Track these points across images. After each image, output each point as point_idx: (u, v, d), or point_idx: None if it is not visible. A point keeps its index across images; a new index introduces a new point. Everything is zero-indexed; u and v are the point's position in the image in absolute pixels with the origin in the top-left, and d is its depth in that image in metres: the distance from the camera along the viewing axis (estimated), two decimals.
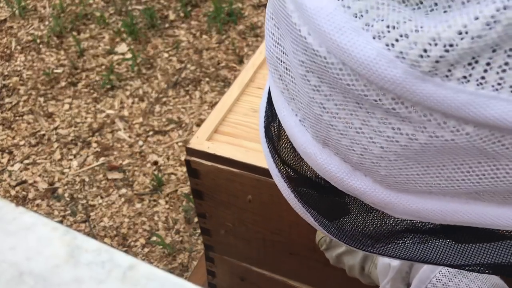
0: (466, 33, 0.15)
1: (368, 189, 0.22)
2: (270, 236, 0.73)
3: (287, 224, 0.69)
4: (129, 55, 1.86)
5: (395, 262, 0.49)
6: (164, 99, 1.72)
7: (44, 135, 1.62)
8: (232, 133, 0.69)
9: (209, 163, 0.66)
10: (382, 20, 0.17)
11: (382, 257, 0.51)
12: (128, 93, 1.74)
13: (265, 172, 0.63)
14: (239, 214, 0.72)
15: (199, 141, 0.67)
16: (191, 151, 0.66)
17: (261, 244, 0.76)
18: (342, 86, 0.19)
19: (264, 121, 0.28)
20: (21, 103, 1.72)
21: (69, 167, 1.52)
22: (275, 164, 0.27)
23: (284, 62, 0.22)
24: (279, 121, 0.25)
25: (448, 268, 0.44)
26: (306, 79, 0.20)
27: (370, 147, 0.20)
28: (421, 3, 0.17)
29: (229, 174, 0.66)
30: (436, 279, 0.44)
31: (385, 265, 0.50)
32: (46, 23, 2.03)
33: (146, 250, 1.33)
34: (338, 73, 0.18)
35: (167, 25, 2.00)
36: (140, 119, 1.65)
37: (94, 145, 1.58)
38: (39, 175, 1.51)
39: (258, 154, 0.65)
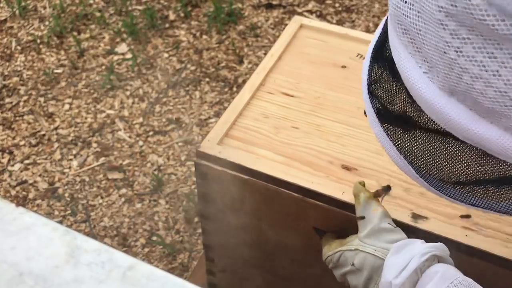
0: None
1: (494, 136, 0.22)
2: (273, 241, 0.73)
3: (293, 232, 0.69)
4: (129, 55, 1.86)
5: (397, 281, 0.48)
6: (164, 99, 1.72)
7: (44, 135, 1.62)
8: (242, 138, 0.68)
9: (219, 168, 0.66)
10: None
11: (383, 277, 0.51)
12: (128, 93, 1.74)
13: (276, 181, 0.63)
14: (244, 218, 0.72)
15: (210, 144, 0.66)
16: (201, 155, 0.66)
17: (262, 249, 0.76)
18: (485, 28, 0.19)
19: (367, 79, 0.29)
20: (21, 103, 1.73)
21: (69, 167, 1.52)
22: (379, 120, 0.28)
23: (410, 16, 0.23)
24: (394, 76, 0.25)
25: (456, 284, 0.45)
26: (443, 25, 0.21)
27: (506, 90, 0.20)
28: None
29: (238, 180, 0.65)
30: None
31: (387, 284, 0.50)
32: (46, 23, 2.03)
33: (146, 250, 1.33)
34: (482, 14, 0.19)
35: (167, 25, 2.00)
36: (140, 119, 1.65)
37: (94, 145, 1.58)
38: (39, 175, 1.51)
39: (269, 162, 0.65)
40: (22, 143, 1.60)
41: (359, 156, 0.66)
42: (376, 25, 2.02)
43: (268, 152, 0.66)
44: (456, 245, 0.57)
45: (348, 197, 0.61)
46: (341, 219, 0.63)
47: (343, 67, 0.80)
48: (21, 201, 1.44)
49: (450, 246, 0.57)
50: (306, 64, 0.80)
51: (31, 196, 1.45)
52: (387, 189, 0.58)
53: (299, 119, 0.71)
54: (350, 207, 0.61)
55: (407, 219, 0.59)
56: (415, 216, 0.59)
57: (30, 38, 1.96)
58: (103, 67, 1.84)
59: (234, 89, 1.74)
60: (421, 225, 0.59)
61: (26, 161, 1.54)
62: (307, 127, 0.70)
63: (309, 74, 0.79)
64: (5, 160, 1.55)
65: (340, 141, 0.68)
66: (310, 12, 2.08)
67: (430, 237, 0.58)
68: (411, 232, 0.59)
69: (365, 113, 0.74)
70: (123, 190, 1.46)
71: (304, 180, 0.63)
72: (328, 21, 2.01)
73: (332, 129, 0.70)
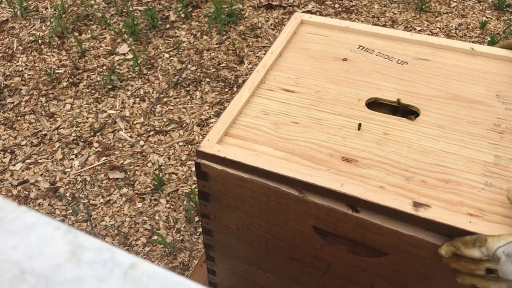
0: None
1: None
2: (273, 241, 0.73)
3: (292, 231, 0.69)
4: (130, 56, 1.86)
5: None
6: (165, 99, 1.72)
7: (45, 135, 1.62)
8: (242, 136, 0.68)
9: (219, 167, 0.66)
10: None
11: None
12: (129, 93, 1.75)
13: (275, 177, 0.63)
14: (244, 218, 0.72)
15: (210, 144, 0.66)
16: (201, 154, 0.66)
17: (262, 248, 0.76)
18: None
19: None
20: (23, 103, 1.73)
21: (71, 167, 1.53)
22: None
23: None
24: None
25: None
26: None
27: None
28: None
29: (239, 180, 0.65)
30: None
31: None
32: (48, 23, 2.04)
33: (147, 249, 1.34)
34: None
35: (168, 25, 2.01)
36: (141, 119, 1.66)
37: (96, 145, 1.59)
38: (41, 175, 1.51)
39: (269, 158, 0.64)
40: (23, 142, 1.60)
41: (359, 148, 0.66)
42: (376, 26, 2.03)
43: (268, 148, 0.66)
44: (460, 233, 0.55)
45: (346, 189, 0.60)
46: (341, 219, 0.64)
47: (344, 59, 0.80)
48: (23, 201, 1.44)
49: (454, 234, 0.56)
50: (307, 60, 0.80)
51: (32, 195, 1.46)
52: None
53: (299, 114, 0.71)
54: (349, 199, 0.60)
55: (408, 208, 0.58)
56: (416, 205, 0.58)
57: (31, 38, 1.96)
58: (104, 67, 1.84)
59: (235, 89, 1.75)
60: (422, 213, 0.57)
61: (28, 161, 1.55)
62: (307, 122, 0.70)
63: (310, 69, 0.79)
64: (6, 160, 1.55)
65: (341, 133, 0.68)
66: (310, 12, 2.09)
67: (432, 225, 0.57)
68: (413, 221, 0.58)
69: (367, 105, 0.72)
70: (124, 190, 1.46)
71: (304, 174, 0.62)
72: None
73: (333, 122, 0.70)
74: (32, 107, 1.71)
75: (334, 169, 0.63)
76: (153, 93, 1.74)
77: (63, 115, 1.68)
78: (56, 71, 1.83)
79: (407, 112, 0.72)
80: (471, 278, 0.55)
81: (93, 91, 1.76)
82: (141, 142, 1.59)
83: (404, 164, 0.63)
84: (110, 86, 1.76)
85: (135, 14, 2.04)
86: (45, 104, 1.72)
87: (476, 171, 0.62)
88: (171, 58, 1.87)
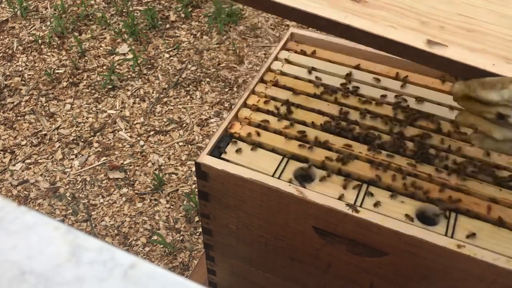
0: None
1: None
2: (273, 241, 0.73)
3: (292, 231, 0.69)
4: (130, 56, 1.86)
5: None
6: (165, 99, 1.72)
7: (45, 135, 1.62)
8: None
9: (219, 168, 0.65)
10: None
11: None
12: (129, 93, 1.75)
13: (272, 6, 0.55)
14: (244, 218, 0.72)
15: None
16: None
17: (262, 248, 0.76)
18: None
19: None
20: (23, 103, 1.73)
21: (71, 167, 1.53)
22: None
23: None
24: None
25: None
26: None
27: None
28: None
29: (239, 180, 0.65)
30: None
31: None
32: (48, 23, 2.04)
33: (147, 249, 1.34)
34: None
35: (168, 25, 2.01)
36: (141, 119, 1.66)
37: (96, 145, 1.59)
38: (41, 175, 1.51)
39: None
40: (23, 142, 1.60)
41: None
42: None
43: None
44: (480, 75, 0.48)
45: (351, 21, 0.52)
46: (341, 219, 0.64)
47: None
48: (23, 201, 1.44)
49: (472, 77, 0.49)
50: None
51: (32, 195, 1.46)
52: None
53: None
54: (352, 32, 0.52)
55: (420, 45, 0.49)
56: (431, 43, 0.50)
57: (31, 38, 1.96)
58: (104, 67, 1.84)
59: (235, 89, 1.75)
60: (438, 51, 0.49)
61: (28, 161, 1.55)
62: None
63: None
64: (6, 160, 1.55)
65: None
66: None
67: (448, 65, 0.49)
68: (426, 60, 0.50)
69: None
70: (124, 190, 1.46)
71: (300, 2, 0.54)
72: None
73: None
74: (32, 107, 1.71)
75: (339, 6, 0.54)
76: (153, 93, 1.74)
77: (63, 115, 1.68)
78: (56, 71, 1.83)
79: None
80: (475, 118, 0.50)
81: (93, 91, 1.76)
82: (141, 142, 1.59)
83: (420, 10, 0.55)
84: (110, 86, 1.76)
85: (135, 14, 2.04)
86: (45, 104, 1.72)
87: (506, 25, 0.54)
88: (171, 58, 1.87)
